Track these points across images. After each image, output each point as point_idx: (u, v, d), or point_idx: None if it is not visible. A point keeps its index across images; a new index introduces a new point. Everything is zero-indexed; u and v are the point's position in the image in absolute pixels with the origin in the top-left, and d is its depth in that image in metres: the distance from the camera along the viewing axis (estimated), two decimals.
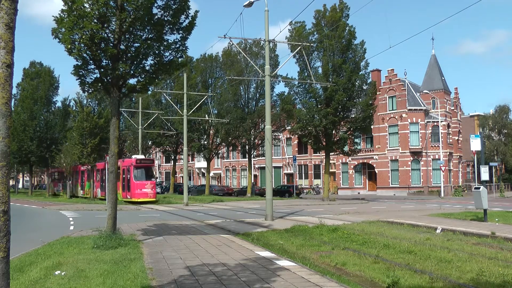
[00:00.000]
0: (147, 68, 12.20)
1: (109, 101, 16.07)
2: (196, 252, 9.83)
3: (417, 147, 49.53)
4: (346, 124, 37.56)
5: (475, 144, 18.34)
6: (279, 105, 43.91)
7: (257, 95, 45.14)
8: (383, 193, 49.85)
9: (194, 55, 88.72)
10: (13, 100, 19.60)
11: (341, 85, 34.30)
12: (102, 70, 11.55)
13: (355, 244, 11.25)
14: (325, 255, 10.03)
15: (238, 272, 7.64)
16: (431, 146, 49.68)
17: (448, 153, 50.44)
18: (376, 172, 52.29)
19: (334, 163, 55.26)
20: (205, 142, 48.47)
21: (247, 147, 47.30)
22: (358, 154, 45.12)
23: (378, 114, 47.70)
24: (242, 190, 50.40)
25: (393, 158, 50.67)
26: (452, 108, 54.31)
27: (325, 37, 34.67)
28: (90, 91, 12.12)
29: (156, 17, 11.67)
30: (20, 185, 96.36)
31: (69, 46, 10.69)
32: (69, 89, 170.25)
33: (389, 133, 51.27)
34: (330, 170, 41.41)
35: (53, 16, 10.94)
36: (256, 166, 60.11)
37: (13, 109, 18.37)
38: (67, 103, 52.55)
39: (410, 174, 49.70)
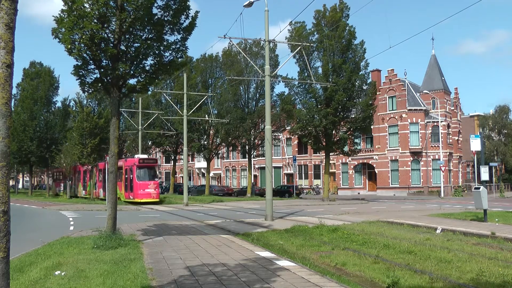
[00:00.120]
0: (147, 68, 12.21)
1: (109, 101, 16.07)
2: (196, 252, 9.83)
3: (417, 147, 49.51)
4: (346, 124, 37.57)
5: (475, 144, 18.34)
6: (279, 105, 43.90)
7: (257, 95, 45.11)
8: (383, 193, 49.83)
9: (194, 55, 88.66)
10: (13, 100, 19.62)
11: (341, 85, 34.31)
12: (102, 70, 11.56)
13: (355, 244, 11.25)
14: (325, 255, 10.03)
15: (238, 272, 7.64)
16: (431, 146, 49.65)
17: (448, 153, 50.42)
18: (376, 172, 52.28)
19: (334, 163, 55.27)
20: (205, 142, 48.42)
21: (247, 147, 47.26)
22: (358, 154, 45.15)
23: (378, 114, 47.69)
24: (242, 190, 50.35)
25: (393, 158, 50.66)
26: (452, 108, 54.29)
27: (325, 37, 34.67)
28: (90, 91, 12.12)
29: (156, 17, 11.67)
30: (20, 185, 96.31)
31: (69, 46, 10.70)
32: (69, 89, 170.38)
33: (389, 133, 51.26)
34: (330, 170, 41.42)
35: (53, 16, 10.96)
36: (256, 166, 60.09)
37: (13, 109, 18.36)
38: (67, 103, 52.46)
39: (410, 174, 49.68)
